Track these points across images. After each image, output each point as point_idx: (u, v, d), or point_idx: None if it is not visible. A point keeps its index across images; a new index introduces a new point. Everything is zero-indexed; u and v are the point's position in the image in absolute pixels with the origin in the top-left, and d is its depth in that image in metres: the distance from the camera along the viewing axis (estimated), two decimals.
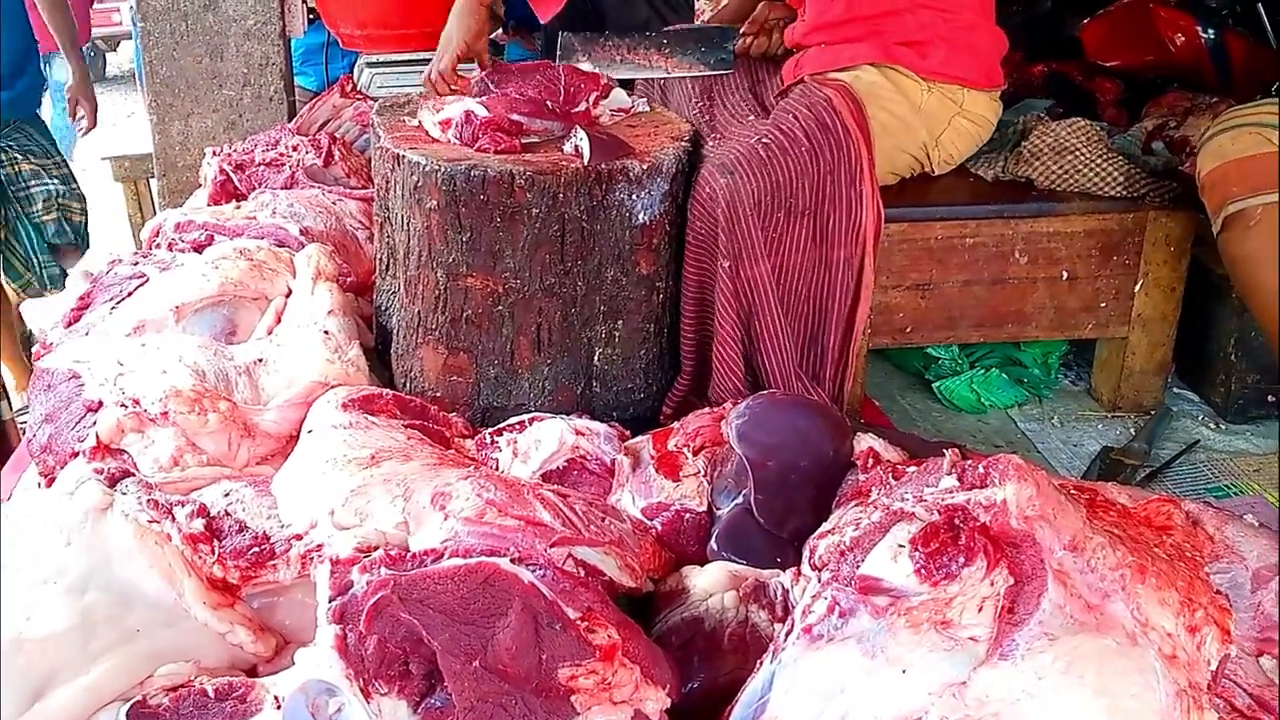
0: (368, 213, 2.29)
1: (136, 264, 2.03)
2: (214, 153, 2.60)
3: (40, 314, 3.96)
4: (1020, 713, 0.97)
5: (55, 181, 3.83)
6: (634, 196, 1.71)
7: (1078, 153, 2.26)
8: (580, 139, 1.71)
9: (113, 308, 1.89)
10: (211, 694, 1.13)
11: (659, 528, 1.44)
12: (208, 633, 1.22)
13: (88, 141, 4.89)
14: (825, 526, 1.27)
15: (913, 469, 1.30)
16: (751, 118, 2.07)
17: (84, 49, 4.35)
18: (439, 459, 1.48)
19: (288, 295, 1.91)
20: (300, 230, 2.17)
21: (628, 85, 2.17)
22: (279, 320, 1.87)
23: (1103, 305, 2.27)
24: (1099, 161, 2.24)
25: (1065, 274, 2.24)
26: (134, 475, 1.45)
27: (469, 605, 1.11)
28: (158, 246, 2.21)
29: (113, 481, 1.41)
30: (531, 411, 1.75)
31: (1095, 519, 1.13)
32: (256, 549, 1.28)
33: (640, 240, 1.74)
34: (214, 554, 1.28)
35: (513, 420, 1.69)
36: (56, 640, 1.17)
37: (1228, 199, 1.87)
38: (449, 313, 1.77)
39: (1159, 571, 1.09)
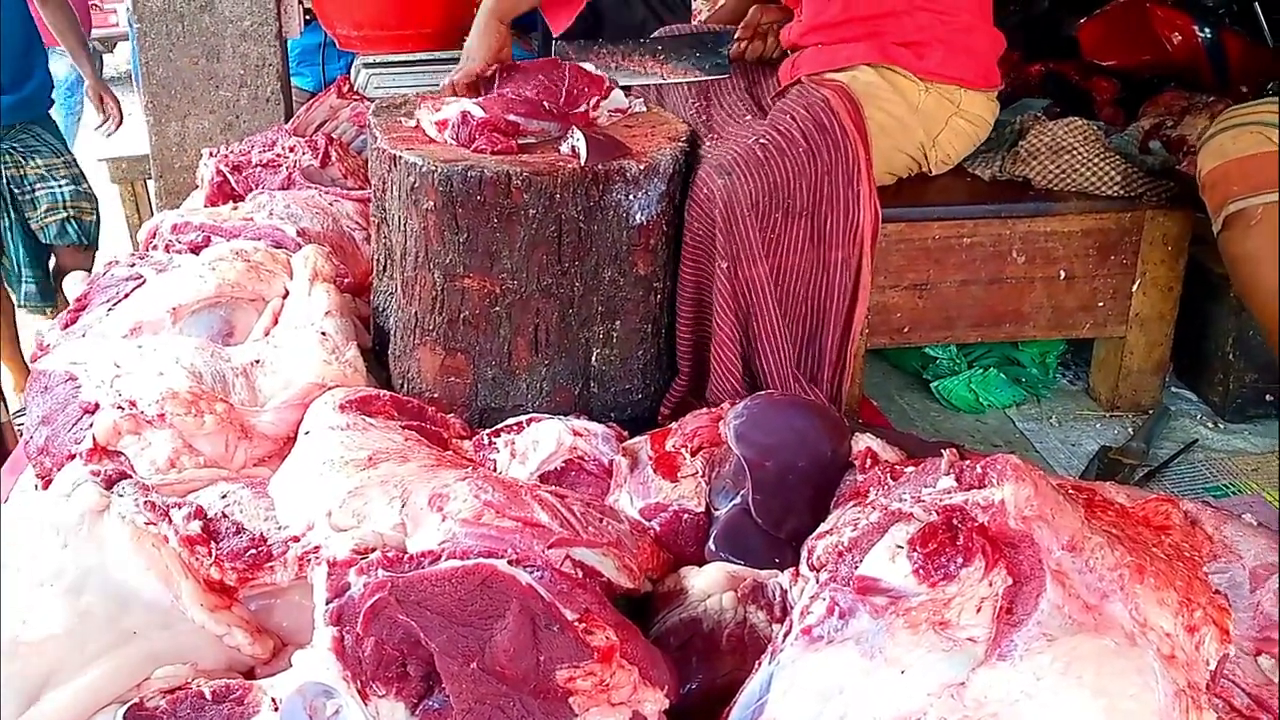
0: (365, 213, 2.29)
1: (133, 265, 2.02)
2: (211, 154, 2.60)
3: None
4: (1019, 713, 0.97)
5: (64, 183, 3.82)
6: (631, 197, 1.70)
7: (1075, 152, 2.26)
8: (577, 140, 1.71)
9: (109, 309, 1.89)
10: (209, 696, 1.13)
11: (657, 528, 1.44)
12: (205, 635, 1.22)
13: (85, 142, 4.90)
14: (823, 527, 1.27)
15: (911, 469, 1.30)
16: (749, 118, 2.07)
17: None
18: (436, 460, 1.48)
19: (285, 296, 1.91)
20: (297, 231, 2.16)
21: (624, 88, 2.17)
22: (276, 321, 1.86)
23: (1100, 305, 2.27)
24: (1096, 161, 2.24)
25: (1063, 273, 2.24)
26: (131, 477, 1.44)
27: (467, 607, 1.11)
28: (154, 248, 2.21)
29: (109, 483, 1.40)
30: (529, 412, 1.74)
31: (1093, 519, 1.13)
32: (254, 551, 1.28)
33: (637, 241, 1.74)
34: (211, 556, 1.27)
35: (510, 421, 1.69)
36: (53, 642, 1.16)
37: (1228, 198, 1.86)
38: (446, 313, 1.77)
39: (1157, 571, 1.09)
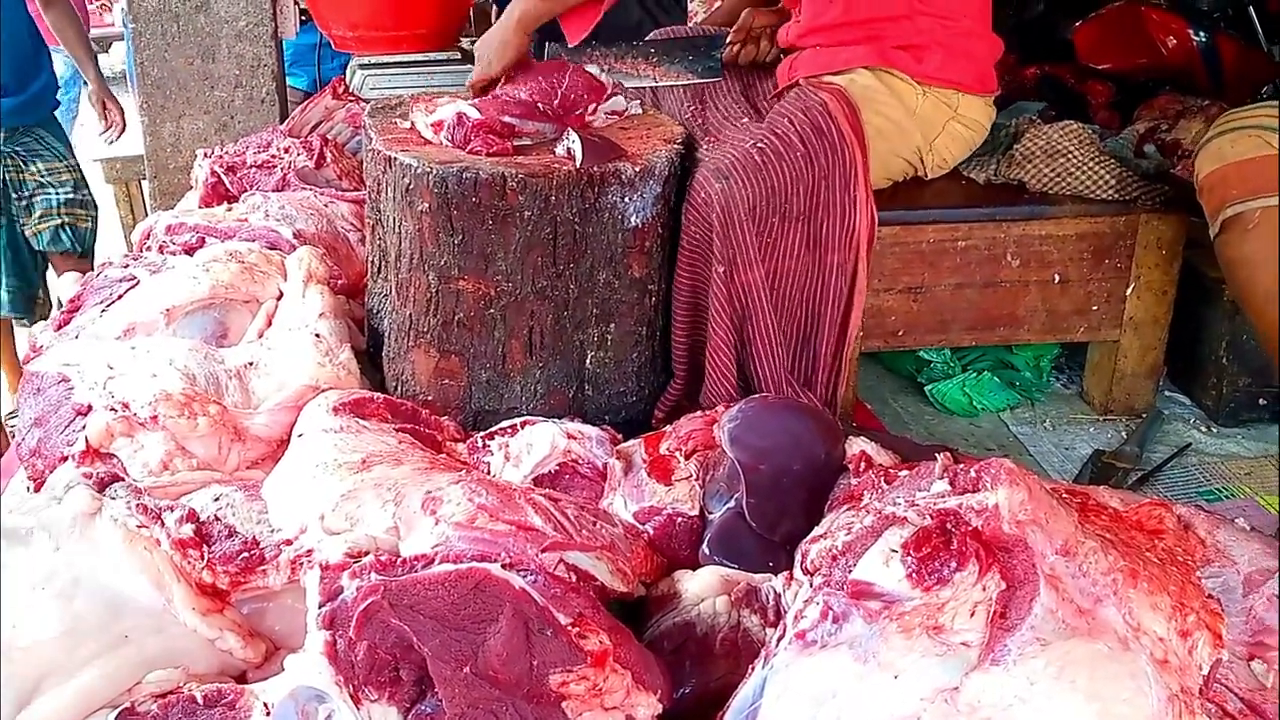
0: (360, 215, 2.29)
1: (127, 266, 2.02)
2: (205, 154, 2.59)
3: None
4: (1012, 718, 0.97)
5: (64, 189, 3.77)
6: (626, 199, 1.70)
7: (1070, 155, 2.26)
8: (572, 141, 1.71)
9: (103, 310, 1.89)
10: (200, 700, 1.13)
11: (651, 532, 1.44)
12: (197, 639, 1.22)
13: (80, 143, 4.86)
14: (817, 531, 1.27)
15: (905, 473, 1.30)
16: (745, 120, 2.07)
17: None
18: (430, 463, 1.48)
19: (279, 298, 1.91)
20: (292, 232, 2.16)
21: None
22: (270, 323, 1.86)
23: (1094, 308, 2.27)
24: (1091, 164, 2.24)
25: (1057, 277, 2.24)
26: (123, 480, 1.44)
27: (460, 611, 1.11)
28: (149, 249, 2.20)
29: (102, 486, 1.40)
30: (523, 415, 1.74)
31: (1087, 523, 1.13)
32: (246, 554, 1.28)
33: (632, 243, 1.74)
34: (203, 559, 1.27)
35: (504, 424, 1.69)
36: (44, 646, 1.16)
37: (1226, 201, 1.86)
38: (440, 316, 1.77)
39: (1151, 576, 1.09)
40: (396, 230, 1.78)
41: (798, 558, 1.23)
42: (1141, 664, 1.00)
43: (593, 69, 2.03)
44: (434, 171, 1.66)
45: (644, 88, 2.27)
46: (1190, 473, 2.13)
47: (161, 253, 2.13)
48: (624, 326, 1.80)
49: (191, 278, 1.87)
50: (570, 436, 1.60)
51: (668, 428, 1.62)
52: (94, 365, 1.64)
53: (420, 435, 1.61)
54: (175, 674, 1.18)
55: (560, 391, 1.80)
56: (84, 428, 1.52)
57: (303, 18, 3.33)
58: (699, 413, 1.66)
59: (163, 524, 1.28)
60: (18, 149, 3.72)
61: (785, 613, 1.19)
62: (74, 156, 3.94)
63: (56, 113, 4.02)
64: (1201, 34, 3.03)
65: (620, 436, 1.66)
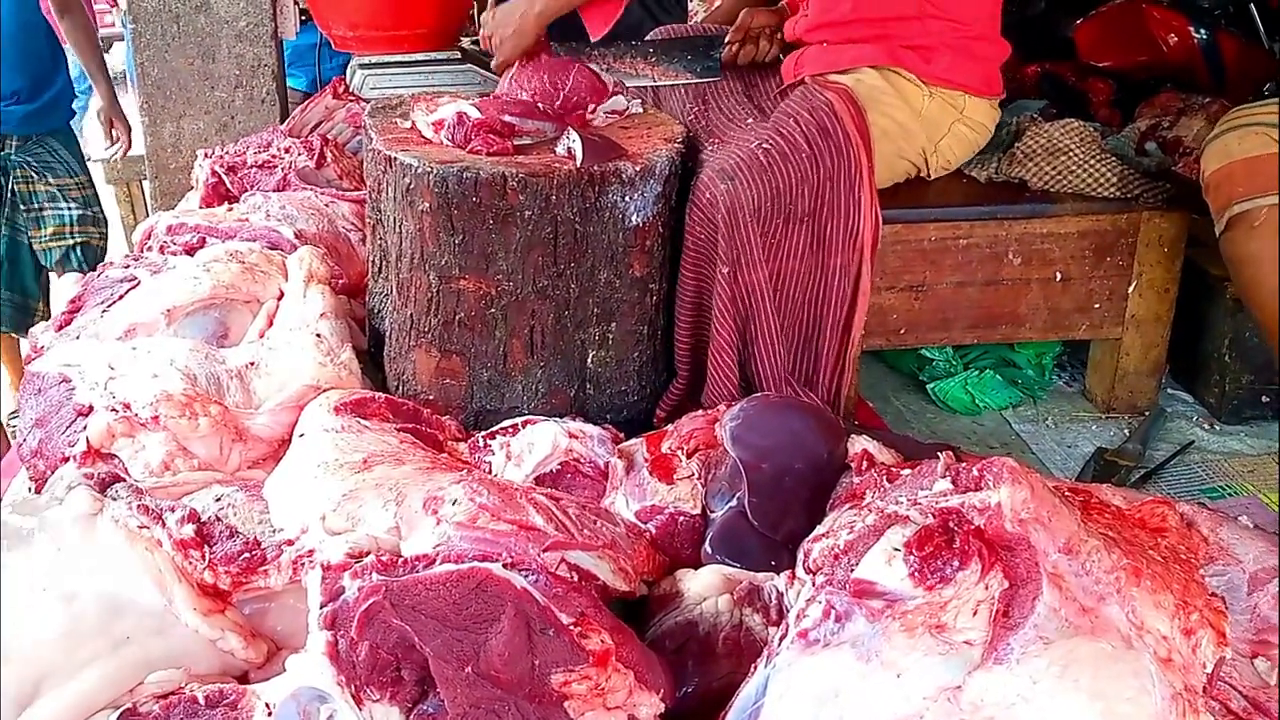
0: (360, 215, 2.29)
1: (128, 267, 2.02)
2: (206, 155, 2.59)
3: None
4: (1015, 717, 0.97)
5: (74, 205, 3.69)
6: (627, 198, 1.70)
7: (1071, 153, 2.26)
8: (573, 141, 1.70)
9: (104, 311, 1.89)
10: (202, 701, 1.12)
11: (653, 531, 1.44)
12: (198, 639, 1.22)
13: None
14: (819, 530, 1.26)
15: (907, 472, 1.30)
16: (750, 121, 2.06)
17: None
18: (432, 463, 1.48)
19: (280, 298, 1.90)
20: (293, 232, 2.16)
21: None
22: (271, 323, 1.86)
23: (1096, 306, 2.27)
24: (1092, 162, 2.24)
25: (1059, 275, 2.24)
26: (124, 480, 1.44)
27: (461, 611, 1.11)
28: (149, 249, 2.20)
29: (103, 486, 1.40)
30: (525, 414, 1.74)
31: (1090, 521, 1.13)
32: (247, 554, 1.28)
33: (633, 242, 1.74)
34: (205, 560, 1.27)
35: (506, 423, 1.69)
36: (46, 647, 1.16)
37: (1233, 199, 1.86)
38: (441, 315, 1.77)
39: (1154, 574, 1.09)
40: (397, 230, 1.77)
41: (800, 556, 1.23)
42: (1145, 663, 1.00)
43: (592, 68, 2.03)
44: (434, 171, 1.66)
45: (645, 88, 2.27)
46: (1193, 470, 2.13)
47: (162, 253, 2.13)
48: (625, 325, 1.80)
49: (192, 278, 1.86)
50: (572, 436, 1.60)
51: (669, 427, 1.62)
52: (95, 366, 1.64)
53: (422, 435, 1.61)
54: (177, 674, 1.18)
55: (561, 391, 1.79)
56: (85, 428, 1.52)
57: (302, 18, 3.33)
58: (701, 412, 1.66)
59: (164, 524, 1.28)
60: (29, 159, 3.65)
61: (788, 612, 1.19)
62: (87, 171, 3.85)
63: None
64: (1203, 31, 3.03)
65: (622, 435, 1.66)
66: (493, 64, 2.08)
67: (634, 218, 1.72)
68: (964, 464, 1.14)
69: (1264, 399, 2.26)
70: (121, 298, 1.90)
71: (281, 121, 3.05)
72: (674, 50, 2.29)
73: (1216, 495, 2.03)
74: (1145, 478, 2.09)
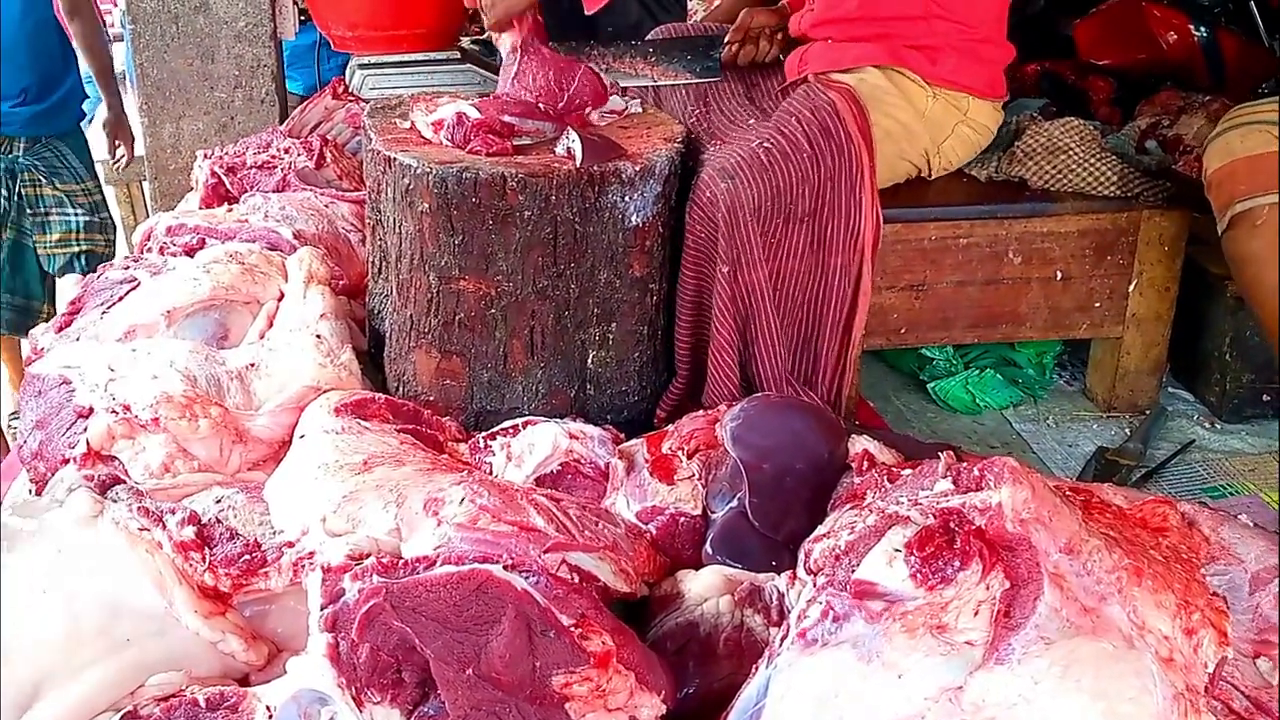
0: (360, 215, 2.29)
1: (127, 268, 2.02)
2: (205, 155, 2.59)
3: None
4: (1016, 717, 0.97)
5: (80, 211, 3.65)
6: (627, 198, 1.70)
7: (1071, 152, 2.26)
8: (572, 141, 1.70)
9: (103, 312, 1.88)
10: (203, 704, 1.12)
11: (654, 532, 1.44)
12: (199, 642, 1.22)
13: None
14: (820, 530, 1.26)
15: (908, 472, 1.30)
16: (752, 122, 2.06)
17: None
18: (432, 464, 1.48)
19: (280, 299, 1.90)
20: (292, 233, 2.16)
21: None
22: (271, 324, 1.86)
23: (1097, 305, 2.27)
24: (1092, 161, 2.24)
25: (1059, 274, 2.24)
26: (125, 482, 1.44)
27: (462, 613, 1.10)
28: (149, 250, 2.20)
29: (103, 488, 1.40)
30: (525, 415, 1.74)
31: (1091, 521, 1.13)
32: (248, 556, 1.27)
33: (633, 242, 1.74)
34: (205, 562, 1.27)
35: (506, 424, 1.68)
36: (46, 649, 1.16)
37: (1235, 197, 1.86)
38: (441, 316, 1.76)
39: (1155, 574, 1.09)
40: (397, 231, 1.77)
41: (801, 557, 1.23)
42: (1146, 662, 1.00)
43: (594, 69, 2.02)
44: (434, 172, 1.66)
45: (646, 88, 2.27)
46: (1194, 469, 2.13)
47: (162, 254, 2.13)
48: (625, 326, 1.80)
49: (192, 279, 1.86)
50: (572, 436, 1.60)
51: (670, 427, 1.61)
52: (95, 367, 1.64)
53: (422, 436, 1.61)
54: (177, 677, 1.18)
55: (562, 391, 1.79)
56: (85, 430, 1.51)
57: (302, 18, 3.33)
58: (701, 412, 1.66)
59: (164, 526, 1.28)
60: (37, 163, 3.61)
61: (789, 612, 1.19)
62: (95, 176, 3.80)
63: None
64: (1202, 29, 3.03)
65: (622, 436, 1.66)
66: (485, 25, 2.03)
67: (634, 218, 1.72)
68: (965, 464, 1.14)
69: (1265, 397, 2.26)
70: (121, 299, 1.90)
71: (281, 122, 3.05)
72: (674, 50, 2.29)
73: (1218, 494, 2.03)
74: (1146, 477, 2.09)
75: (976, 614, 1.03)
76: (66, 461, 1.50)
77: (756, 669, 1.10)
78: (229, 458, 1.55)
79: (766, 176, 1.78)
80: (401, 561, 1.17)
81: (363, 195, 2.16)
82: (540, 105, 1.84)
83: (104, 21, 4.37)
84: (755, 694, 1.07)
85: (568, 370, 1.78)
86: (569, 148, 1.71)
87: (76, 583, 1.21)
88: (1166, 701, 0.97)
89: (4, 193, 3.58)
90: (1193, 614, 1.06)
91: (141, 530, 1.27)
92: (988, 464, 1.08)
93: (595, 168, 1.66)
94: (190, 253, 2.08)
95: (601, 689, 1.09)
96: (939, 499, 1.09)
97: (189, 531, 1.28)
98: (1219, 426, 2.28)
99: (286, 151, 2.53)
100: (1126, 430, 2.28)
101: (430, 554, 1.18)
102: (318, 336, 1.77)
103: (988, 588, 1.04)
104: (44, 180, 3.62)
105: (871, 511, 1.15)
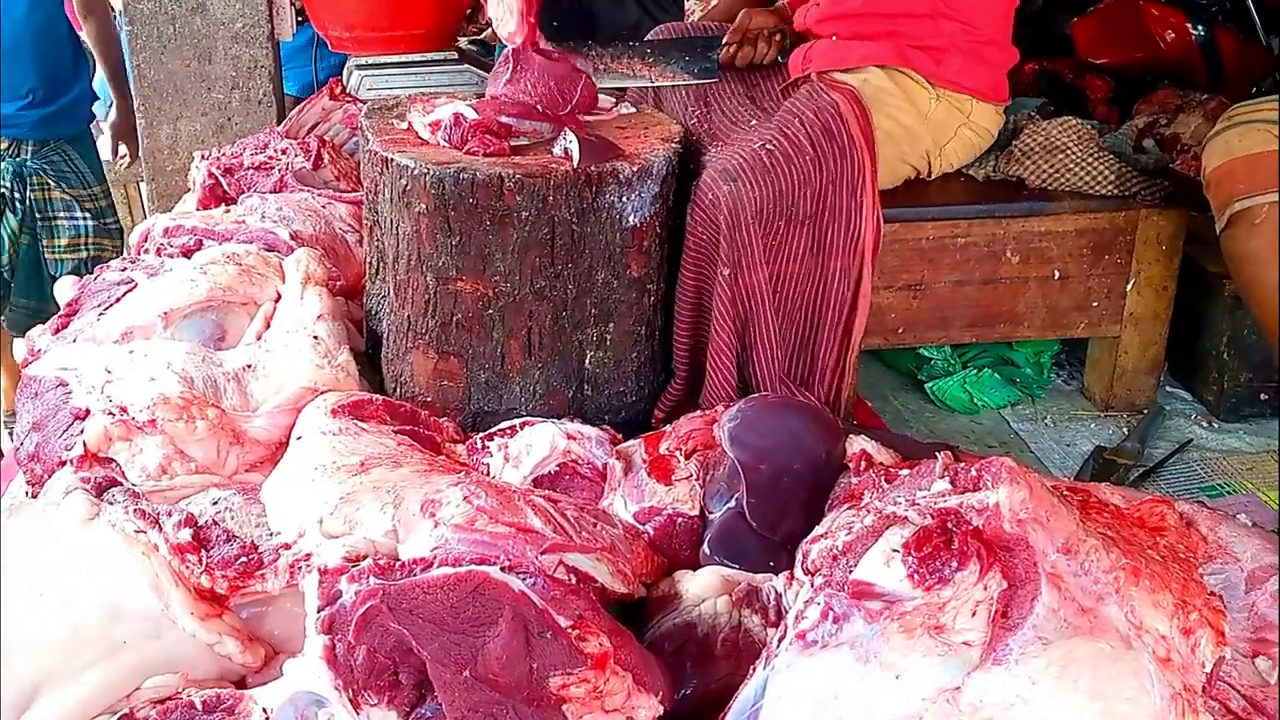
0: (358, 216, 2.28)
1: (125, 270, 2.01)
2: (203, 156, 2.58)
3: None
4: (1014, 718, 0.97)
5: (87, 216, 3.63)
6: (624, 199, 1.70)
7: (1069, 151, 2.26)
8: (569, 141, 1.70)
9: (100, 314, 1.88)
10: (199, 706, 1.12)
11: (651, 532, 1.43)
12: (196, 644, 1.21)
13: None
14: (818, 530, 1.26)
15: (905, 472, 1.30)
16: (753, 122, 2.06)
17: None
18: (429, 465, 1.48)
19: (277, 300, 1.90)
20: (290, 234, 2.15)
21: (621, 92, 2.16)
22: (268, 325, 1.85)
23: (1095, 304, 2.27)
24: (1090, 160, 2.24)
25: (1057, 273, 2.24)
26: (121, 484, 1.44)
27: (459, 614, 1.10)
28: (146, 251, 2.20)
29: (100, 490, 1.40)
30: (523, 416, 1.74)
31: (1089, 521, 1.13)
32: (245, 559, 1.27)
33: (631, 243, 1.74)
34: (202, 564, 1.27)
35: (504, 425, 1.68)
36: (42, 652, 1.16)
37: (1234, 196, 1.86)
38: (439, 317, 1.76)
39: (1153, 574, 1.09)
40: (394, 231, 1.77)
41: (798, 557, 1.23)
42: (1144, 662, 1.00)
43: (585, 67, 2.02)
44: (431, 172, 1.66)
45: (636, 88, 2.27)
46: (1192, 468, 2.13)
47: (159, 255, 2.12)
48: (623, 326, 1.80)
49: (189, 280, 1.86)
50: (570, 437, 1.60)
51: (667, 428, 1.61)
52: (92, 369, 1.63)
53: (419, 437, 1.61)
54: (174, 679, 1.17)
55: (559, 392, 1.79)
56: (82, 432, 1.51)
57: (299, 19, 3.32)
58: (699, 412, 1.65)
59: (161, 529, 1.28)
60: (45, 167, 3.59)
61: (786, 613, 1.19)
62: (103, 181, 3.77)
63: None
64: (1200, 28, 3.03)
65: (620, 437, 1.66)
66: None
67: (631, 218, 1.72)
68: (962, 464, 1.14)
69: (1263, 396, 2.27)
70: (118, 300, 1.89)
71: (278, 123, 3.05)
72: (671, 51, 2.29)
73: (1215, 493, 2.03)
74: (1144, 476, 2.09)
75: (974, 614, 1.03)
76: (63, 463, 1.50)
77: (754, 670, 1.10)
78: (226, 459, 1.55)
79: (769, 179, 1.78)
80: (398, 563, 1.17)
81: (360, 196, 2.16)
82: (538, 106, 1.84)
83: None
84: (753, 695, 1.07)
85: (565, 371, 1.78)
86: (566, 148, 1.70)
87: (72, 585, 1.21)
88: (1164, 701, 0.97)
89: (16, 196, 3.57)
90: (1190, 614, 1.06)
91: (138, 532, 1.27)
92: (985, 464, 1.08)
93: (593, 168, 1.66)
94: (187, 254, 2.07)
95: (599, 690, 1.09)
96: (936, 499, 1.09)
97: (186, 534, 1.28)
98: (1217, 425, 2.28)
99: (284, 152, 2.53)
100: (1124, 429, 2.28)
101: (427, 555, 1.18)
102: (315, 338, 1.77)
103: (985, 588, 1.04)
104: (52, 184, 3.61)
105: (869, 512, 1.15)
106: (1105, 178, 2.22)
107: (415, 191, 1.69)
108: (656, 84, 2.25)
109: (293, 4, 3.20)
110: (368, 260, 2.00)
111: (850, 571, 1.07)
